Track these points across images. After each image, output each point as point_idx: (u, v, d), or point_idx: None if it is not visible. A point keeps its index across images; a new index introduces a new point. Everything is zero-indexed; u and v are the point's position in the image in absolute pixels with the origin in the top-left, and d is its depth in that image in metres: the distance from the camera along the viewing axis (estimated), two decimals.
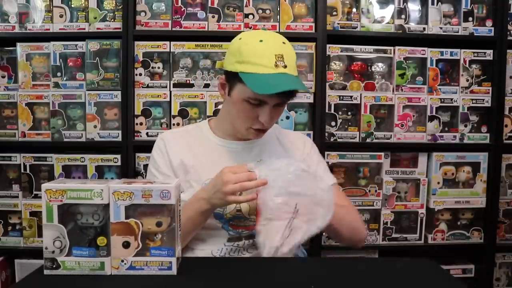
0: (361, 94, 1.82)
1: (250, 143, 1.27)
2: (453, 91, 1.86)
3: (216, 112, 1.77)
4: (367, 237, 1.84)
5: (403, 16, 1.85)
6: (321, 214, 0.97)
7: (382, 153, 1.83)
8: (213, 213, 1.19)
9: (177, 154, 1.24)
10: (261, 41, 1.12)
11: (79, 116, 1.79)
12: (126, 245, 0.82)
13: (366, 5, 1.84)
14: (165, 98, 1.77)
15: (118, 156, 1.77)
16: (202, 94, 1.77)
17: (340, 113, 1.83)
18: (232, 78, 1.14)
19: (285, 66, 1.10)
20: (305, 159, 1.33)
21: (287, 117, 1.80)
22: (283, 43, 1.14)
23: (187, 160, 1.23)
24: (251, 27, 1.78)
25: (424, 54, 1.84)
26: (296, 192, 0.97)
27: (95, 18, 1.78)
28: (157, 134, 1.77)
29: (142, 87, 1.78)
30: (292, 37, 1.78)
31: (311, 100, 1.80)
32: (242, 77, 1.09)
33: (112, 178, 1.78)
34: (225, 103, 1.26)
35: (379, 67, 1.86)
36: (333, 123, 1.82)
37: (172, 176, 1.22)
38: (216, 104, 1.78)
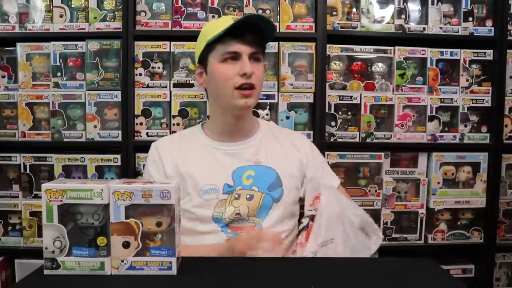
0: (361, 94, 1.82)
1: (246, 143, 1.26)
2: (453, 91, 1.86)
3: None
4: None
5: (403, 16, 1.85)
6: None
7: (382, 153, 1.83)
8: (212, 217, 1.19)
9: (171, 162, 1.24)
10: (218, 18, 1.30)
11: (79, 116, 1.79)
12: (126, 245, 0.82)
13: (366, 5, 1.84)
14: (165, 98, 1.77)
15: (118, 156, 1.77)
16: (202, 94, 1.77)
17: (340, 113, 1.83)
18: (204, 57, 1.23)
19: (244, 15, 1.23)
20: (308, 160, 1.33)
21: (287, 117, 1.80)
22: None
23: (183, 167, 1.23)
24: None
25: (424, 54, 1.84)
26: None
27: (95, 18, 1.78)
28: (157, 134, 1.77)
29: (142, 87, 1.78)
30: (292, 37, 1.80)
31: (311, 100, 1.80)
32: (209, 41, 1.18)
33: (112, 178, 1.78)
34: (209, 92, 1.30)
35: (379, 67, 1.86)
36: (333, 123, 1.82)
37: None
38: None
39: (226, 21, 1.19)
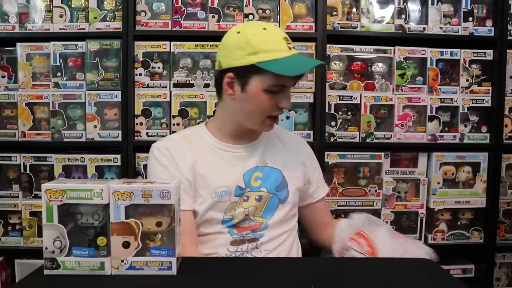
0: (361, 94, 1.82)
1: (253, 146, 1.25)
2: (453, 91, 1.86)
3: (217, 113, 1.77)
4: None
5: (403, 16, 1.85)
6: None
7: (382, 153, 1.83)
8: (222, 220, 1.18)
9: (186, 163, 1.19)
10: (264, 29, 1.13)
11: (79, 116, 1.79)
12: (126, 245, 0.82)
13: (366, 5, 1.84)
14: (165, 98, 1.77)
15: (118, 156, 1.77)
16: (202, 94, 1.77)
17: (340, 113, 1.83)
18: (245, 73, 1.12)
19: (294, 47, 1.14)
20: (309, 163, 1.34)
21: (287, 117, 1.80)
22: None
23: (197, 168, 1.19)
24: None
25: (424, 54, 1.84)
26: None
27: (95, 18, 1.78)
28: (157, 134, 1.77)
29: (142, 87, 1.78)
30: (292, 37, 1.78)
31: (311, 100, 1.80)
32: (262, 66, 1.08)
33: (112, 178, 1.78)
34: (228, 103, 1.20)
35: (379, 67, 1.86)
36: (333, 123, 1.82)
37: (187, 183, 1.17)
38: (216, 104, 1.77)
39: (280, 44, 1.11)
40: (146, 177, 1.75)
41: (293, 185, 1.26)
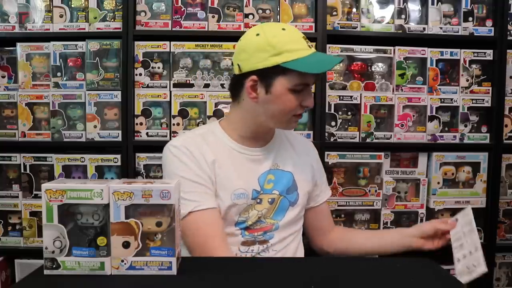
0: (361, 94, 1.82)
1: (267, 149, 1.25)
2: (453, 91, 1.86)
3: (216, 112, 1.77)
4: None
5: (403, 16, 1.85)
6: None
7: (382, 153, 1.83)
8: (236, 222, 1.18)
9: (207, 161, 1.16)
10: (283, 29, 1.13)
11: (79, 116, 1.79)
12: (126, 245, 0.82)
13: (366, 5, 1.84)
14: (165, 98, 1.77)
15: (118, 156, 1.77)
16: (202, 94, 1.77)
17: (340, 113, 1.83)
18: (270, 74, 1.11)
19: (312, 46, 1.15)
20: (317, 167, 1.36)
21: None
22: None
23: (217, 168, 1.17)
24: (251, 27, 1.77)
25: (424, 54, 1.84)
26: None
27: (95, 18, 1.78)
28: (157, 134, 1.77)
29: (142, 87, 1.78)
30: None
31: None
32: (288, 66, 1.09)
33: (112, 178, 1.78)
34: (248, 106, 1.18)
35: (379, 67, 1.86)
36: (333, 123, 1.82)
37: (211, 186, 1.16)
38: (216, 104, 1.78)
39: (301, 44, 1.12)
40: (147, 177, 1.76)
41: (302, 188, 1.27)
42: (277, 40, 1.10)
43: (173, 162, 1.17)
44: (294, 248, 1.27)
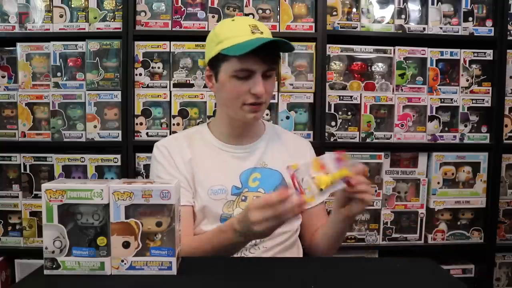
0: (361, 94, 1.82)
1: (252, 147, 1.26)
2: (453, 91, 1.86)
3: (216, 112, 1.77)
4: (367, 238, 1.84)
5: (403, 16, 1.85)
6: None
7: (382, 153, 1.83)
8: (220, 217, 1.19)
9: (184, 161, 1.22)
10: (233, 20, 1.19)
11: (79, 116, 1.79)
12: (126, 245, 0.82)
13: (366, 5, 1.84)
14: (165, 98, 1.77)
15: (118, 156, 1.77)
16: (202, 94, 1.77)
17: (340, 113, 1.83)
18: (215, 62, 1.17)
19: (262, 33, 1.14)
20: None
21: (287, 117, 1.80)
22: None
23: (194, 166, 1.22)
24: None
25: (424, 54, 1.84)
26: None
27: (95, 18, 1.78)
28: (157, 134, 1.77)
29: (142, 87, 1.78)
30: (292, 37, 1.80)
31: (311, 100, 1.80)
32: (224, 52, 1.12)
33: (112, 178, 1.78)
34: (217, 98, 1.27)
35: (379, 67, 1.86)
36: (333, 123, 1.82)
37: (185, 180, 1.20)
38: (216, 104, 1.77)
39: (243, 31, 1.13)
40: (147, 177, 1.76)
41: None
42: (221, 29, 1.17)
43: (152, 162, 1.27)
44: (287, 247, 1.24)
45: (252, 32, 1.13)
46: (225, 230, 1.03)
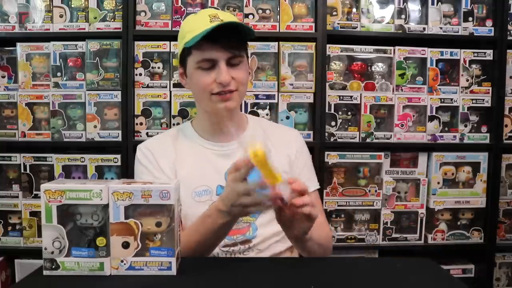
0: (361, 94, 1.82)
1: (235, 144, 1.22)
2: (453, 91, 1.86)
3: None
4: (367, 238, 1.84)
5: (403, 16, 1.85)
6: None
7: (382, 153, 1.83)
8: None
9: (167, 160, 1.21)
10: (195, 14, 1.21)
11: (79, 116, 1.79)
12: (125, 245, 0.82)
13: (366, 5, 1.84)
14: (165, 98, 1.77)
15: (118, 156, 1.77)
16: None
17: (340, 113, 1.83)
18: (183, 58, 1.19)
19: (222, 21, 1.13)
20: (296, 157, 1.28)
21: (287, 117, 1.80)
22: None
23: (176, 165, 1.21)
24: (251, 27, 1.77)
25: (424, 54, 1.84)
26: None
27: (95, 18, 1.78)
28: (157, 134, 1.77)
29: (142, 87, 1.77)
30: (292, 37, 1.80)
31: (311, 100, 1.80)
32: (186, 45, 1.13)
33: (112, 178, 1.78)
34: (192, 95, 1.27)
35: (379, 67, 1.86)
36: (333, 123, 1.82)
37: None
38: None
39: (203, 22, 1.12)
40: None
41: None
42: (184, 25, 1.19)
43: (136, 164, 1.28)
44: (281, 249, 1.22)
45: (211, 21, 1.12)
46: (209, 214, 1.00)
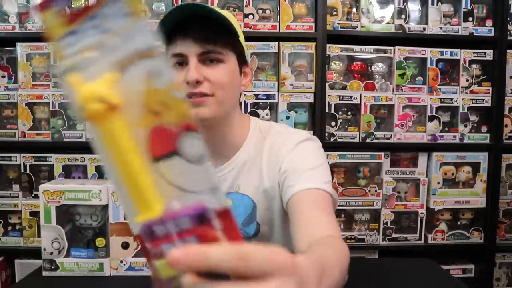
0: (361, 94, 1.82)
1: (226, 168, 0.99)
2: (453, 91, 1.86)
3: None
4: (367, 238, 1.84)
5: (403, 16, 1.85)
6: None
7: (382, 153, 1.83)
8: None
9: None
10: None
11: None
12: (125, 245, 0.82)
13: (366, 5, 1.84)
14: None
15: None
16: None
17: (340, 113, 1.83)
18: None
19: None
20: (282, 167, 0.96)
21: (287, 117, 1.80)
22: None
23: None
24: (251, 27, 1.78)
25: (424, 54, 1.84)
26: None
27: None
28: None
29: None
30: (292, 37, 1.80)
31: (311, 100, 1.80)
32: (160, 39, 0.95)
33: None
34: None
35: (379, 67, 1.86)
36: (333, 123, 1.82)
37: None
38: None
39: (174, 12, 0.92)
40: None
41: (263, 215, 1.00)
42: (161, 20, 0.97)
43: None
44: None
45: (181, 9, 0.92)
46: None
